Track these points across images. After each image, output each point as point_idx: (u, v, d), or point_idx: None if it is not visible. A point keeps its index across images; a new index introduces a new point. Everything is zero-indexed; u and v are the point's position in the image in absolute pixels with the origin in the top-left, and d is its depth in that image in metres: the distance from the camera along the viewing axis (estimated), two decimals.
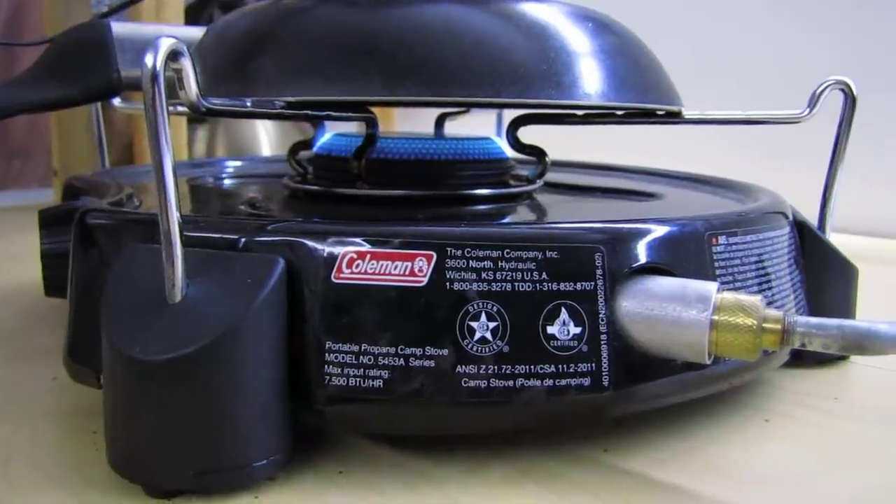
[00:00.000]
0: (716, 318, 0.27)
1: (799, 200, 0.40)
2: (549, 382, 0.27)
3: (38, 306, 0.50)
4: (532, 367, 0.27)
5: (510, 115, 0.42)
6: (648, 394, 0.29)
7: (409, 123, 1.10)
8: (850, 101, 0.38)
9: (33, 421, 0.33)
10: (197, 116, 0.94)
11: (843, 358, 0.41)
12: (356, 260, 0.27)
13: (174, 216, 0.25)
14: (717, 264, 0.31)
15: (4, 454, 0.30)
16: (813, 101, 0.38)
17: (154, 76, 0.24)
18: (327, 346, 0.27)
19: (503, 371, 0.27)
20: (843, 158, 0.39)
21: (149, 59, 0.24)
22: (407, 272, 0.27)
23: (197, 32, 0.39)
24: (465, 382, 0.27)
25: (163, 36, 0.25)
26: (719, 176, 0.49)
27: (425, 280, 0.27)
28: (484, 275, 0.27)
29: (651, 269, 0.29)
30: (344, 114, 0.35)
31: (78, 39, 0.37)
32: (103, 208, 0.33)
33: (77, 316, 0.32)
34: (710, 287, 0.27)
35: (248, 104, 0.32)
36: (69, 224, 0.33)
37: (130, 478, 0.27)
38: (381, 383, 0.26)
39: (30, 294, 0.53)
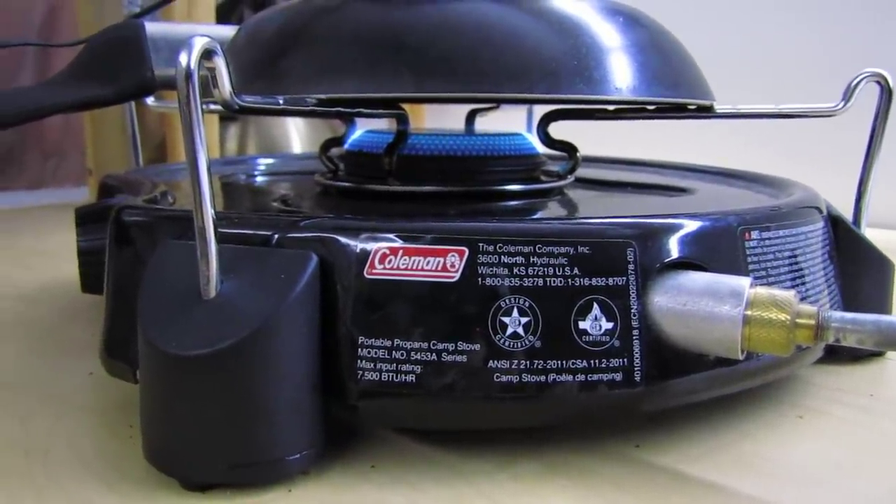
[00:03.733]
0: (749, 313, 0.27)
1: (833, 196, 0.39)
2: (580, 377, 0.27)
3: (75, 303, 0.50)
4: (564, 362, 0.27)
5: (541, 110, 0.42)
6: (680, 389, 0.29)
7: (439, 120, 1.10)
8: (886, 93, 0.38)
9: (71, 415, 0.33)
10: (230, 114, 0.95)
11: (878, 354, 0.40)
12: (388, 255, 0.27)
13: (209, 213, 0.26)
14: (749, 259, 0.31)
15: (43, 448, 0.30)
16: (848, 94, 0.37)
17: (188, 75, 0.24)
18: (360, 341, 0.27)
19: (535, 366, 0.27)
20: (878, 152, 0.39)
21: (183, 59, 0.24)
22: (439, 268, 0.27)
23: (228, 31, 0.39)
24: (497, 377, 0.27)
25: (196, 35, 0.25)
26: (752, 171, 0.48)
27: (457, 275, 0.27)
28: (516, 270, 0.27)
29: (683, 265, 0.29)
30: (375, 111, 0.35)
31: (112, 40, 0.38)
32: (138, 205, 0.34)
33: (113, 312, 0.33)
34: (743, 282, 0.27)
35: (281, 102, 0.32)
36: (105, 221, 0.33)
37: (166, 471, 0.27)
38: (413, 378, 0.27)
39: (67, 291, 0.54)
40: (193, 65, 0.24)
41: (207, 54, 0.25)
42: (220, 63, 0.26)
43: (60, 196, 1.15)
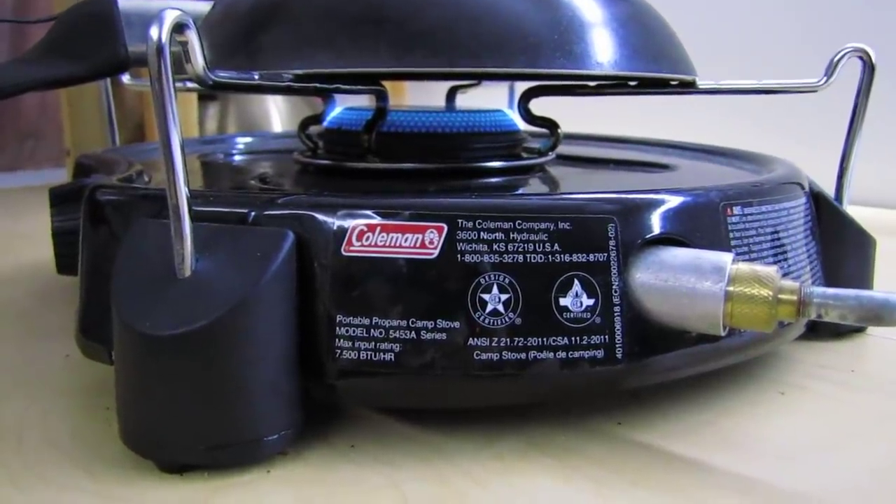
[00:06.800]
0: (731, 289, 0.26)
1: (816, 173, 0.39)
2: (561, 355, 0.27)
3: (51, 284, 0.50)
4: (545, 339, 0.27)
5: (522, 87, 0.41)
6: (662, 366, 0.29)
7: (420, 98, 1.09)
8: (868, 68, 0.37)
9: (46, 398, 0.33)
10: (208, 93, 0.94)
11: (859, 330, 0.40)
12: (366, 233, 0.26)
13: (182, 190, 0.25)
14: (732, 235, 0.30)
15: (18, 430, 0.30)
16: (830, 69, 0.37)
17: (160, 49, 0.24)
18: (338, 319, 0.26)
19: (515, 344, 0.26)
20: (860, 128, 0.39)
21: (154, 32, 0.24)
22: (418, 244, 0.26)
23: (204, 6, 0.38)
24: (478, 355, 0.26)
25: (168, 8, 0.24)
26: (734, 147, 0.48)
27: (436, 252, 0.26)
28: (496, 246, 0.26)
29: (665, 240, 0.29)
30: (353, 86, 0.35)
31: (83, 15, 0.37)
32: (112, 185, 0.33)
33: (88, 293, 0.32)
34: (725, 258, 0.27)
35: (256, 77, 0.32)
36: (79, 201, 0.33)
37: (142, 453, 0.27)
38: (392, 357, 0.26)
39: (43, 273, 0.53)
40: (165, 38, 0.24)
41: (179, 28, 0.24)
42: (192, 37, 0.25)
43: (38, 178, 1.13)
